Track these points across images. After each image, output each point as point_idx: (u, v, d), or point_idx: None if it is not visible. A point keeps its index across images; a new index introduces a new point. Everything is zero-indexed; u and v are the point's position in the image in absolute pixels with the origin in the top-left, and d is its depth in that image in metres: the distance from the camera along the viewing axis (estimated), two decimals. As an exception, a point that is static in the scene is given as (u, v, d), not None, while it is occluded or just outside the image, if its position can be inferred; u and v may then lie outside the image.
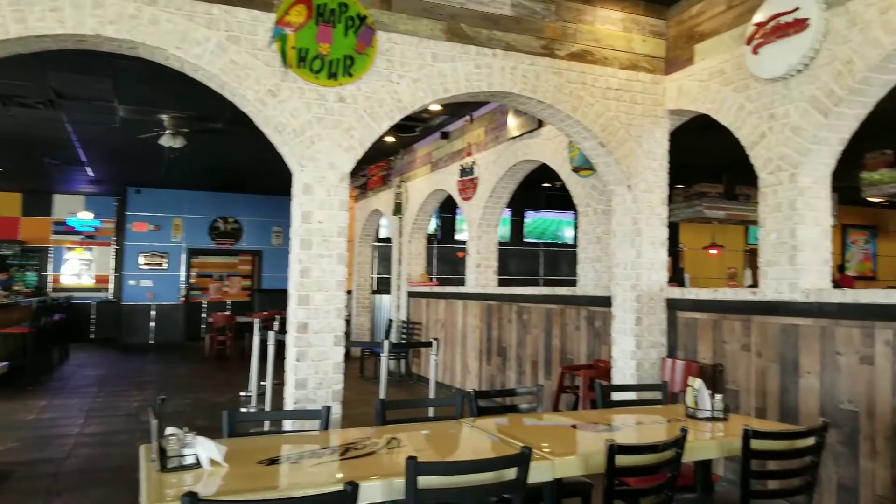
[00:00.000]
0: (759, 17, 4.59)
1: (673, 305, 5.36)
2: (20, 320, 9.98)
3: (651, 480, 2.71)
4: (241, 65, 4.21)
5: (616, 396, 4.17)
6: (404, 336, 9.96)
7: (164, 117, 8.54)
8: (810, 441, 2.86)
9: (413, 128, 9.13)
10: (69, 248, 15.01)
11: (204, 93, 4.73)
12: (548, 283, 10.44)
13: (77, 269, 15.13)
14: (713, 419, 3.34)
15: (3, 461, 5.39)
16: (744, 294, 4.83)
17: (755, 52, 4.61)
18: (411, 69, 4.63)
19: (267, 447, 2.80)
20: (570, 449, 2.81)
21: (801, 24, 4.29)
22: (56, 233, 14.92)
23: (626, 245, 5.46)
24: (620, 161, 5.33)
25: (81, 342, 14.23)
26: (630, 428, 3.24)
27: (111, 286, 15.21)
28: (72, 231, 15.02)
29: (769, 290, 4.50)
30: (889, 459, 3.72)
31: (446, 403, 3.67)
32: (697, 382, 3.47)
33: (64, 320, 11.62)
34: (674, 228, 13.63)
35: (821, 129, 4.25)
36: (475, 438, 3.06)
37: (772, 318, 4.49)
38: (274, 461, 2.54)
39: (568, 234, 14.90)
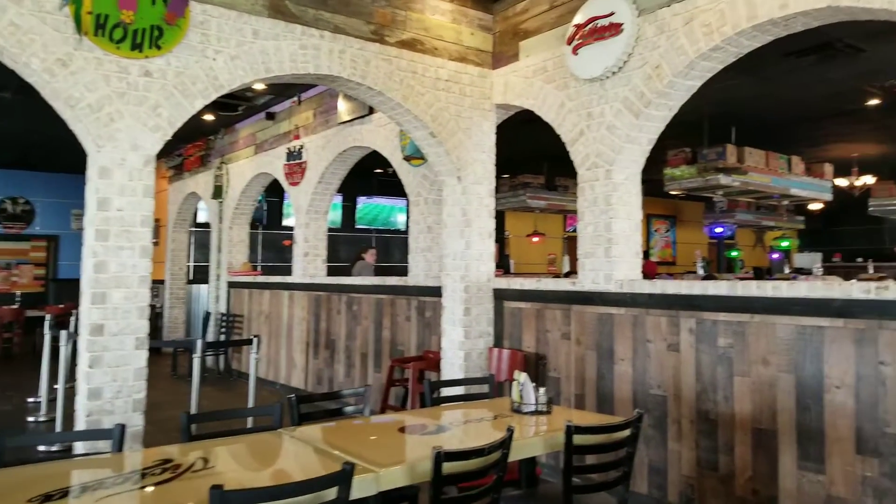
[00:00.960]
0: (578, 18, 4.75)
1: (500, 295, 5.47)
2: None
3: (478, 483, 2.68)
4: (24, 28, 3.60)
5: (445, 389, 4.16)
6: (224, 330, 9.39)
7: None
8: (627, 433, 2.98)
9: (235, 106, 8.56)
10: None
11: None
12: (380, 271, 10.33)
13: None
14: (537, 413, 3.40)
15: None
16: (564, 284, 5.02)
17: (575, 52, 4.76)
18: (229, 45, 4.25)
19: (45, 478, 2.34)
20: (397, 457, 2.70)
21: (616, 29, 4.48)
22: None
23: (455, 236, 5.47)
24: (450, 152, 5.31)
25: None
26: (458, 428, 3.21)
27: None
28: None
29: (587, 281, 4.71)
30: (693, 441, 4.04)
31: (264, 413, 3.38)
32: (522, 376, 3.51)
33: None
34: (500, 216, 14.11)
35: (633, 128, 4.48)
36: (296, 452, 2.86)
37: (589, 308, 4.71)
38: (49, 497, 2.10)
39: (401, 221, 14.93)
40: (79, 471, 2.51)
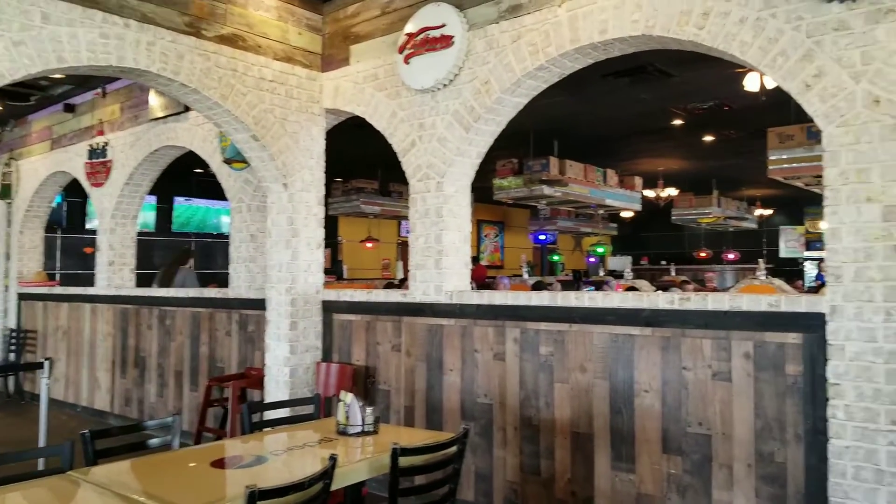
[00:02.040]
0: (410, 27, 4.70)
1: (329, 308, 5.29)
2: None
3: None
4: None
5: (266, 414, 3.92)
6: (13, 348, 8.30)
7: None
8: (454, 449, 2.95)
9: (27, 95, 7.58)
10: None
11: None
12: (203, 278, 9.67)
13: None
14: (364, 433, 3.28)
15: None
16: (395, 296, 4.96)
17: (406, 61, 4.71)
18: (10, 29, 3.70)
19: None
20: (208, 498, 2.45)
21: (447, 41, 4.49)
22: None
23: (281, 246, 5.21)
24: (276, 157, 5.05)
25: None
26: (280, 457, 3.00)
27: None
28: None
29: (417, 292, 4.68)
30: (517, 447, 4.13)
31: (50, 453, 2.95)
32: (349, 396, 3.37)
33: None
34: (333, 221, 13.86)
35: (463, 142, 4.51)
36: (88, 500, 2.48)
37: (420, 319, 4.68)
38: None
39: (226, 223, 14.11)
40: None
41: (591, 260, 19.89)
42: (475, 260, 15.67)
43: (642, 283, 9.75)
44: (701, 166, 12.66)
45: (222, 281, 7.10)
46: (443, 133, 4.58)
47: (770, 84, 5.86)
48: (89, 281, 8.09)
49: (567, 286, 11.50)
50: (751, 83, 6.26)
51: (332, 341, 5.26)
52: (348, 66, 5.24)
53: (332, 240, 14.45)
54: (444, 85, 4.55)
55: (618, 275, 13.14)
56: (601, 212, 13.35)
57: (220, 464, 2.85)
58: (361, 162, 10.87)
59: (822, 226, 3.17)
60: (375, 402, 4.82)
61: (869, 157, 2.95)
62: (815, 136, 3.23)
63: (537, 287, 9.51)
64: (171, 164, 7.36)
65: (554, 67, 4.17)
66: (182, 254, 8.43)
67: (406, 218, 5.19)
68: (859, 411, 2.92)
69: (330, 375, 5.00)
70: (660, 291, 6.73)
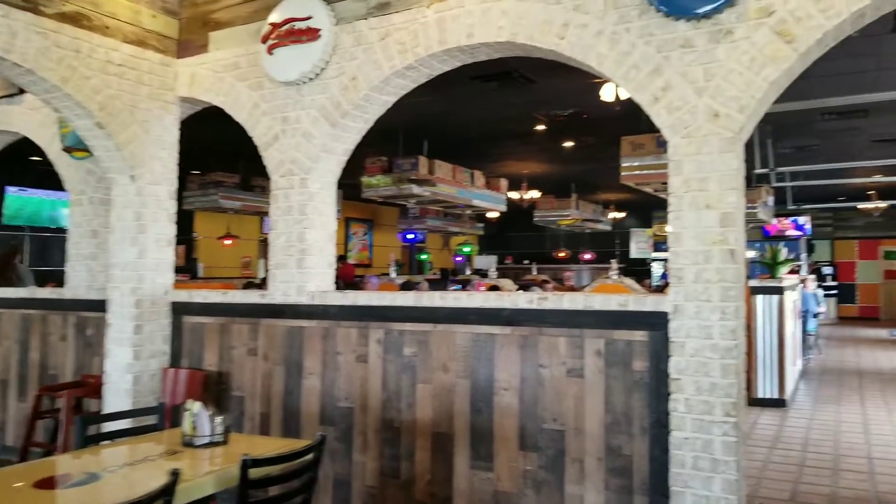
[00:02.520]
0: (274, 17, 4.51)
1: (179, 309, 4.95)
2: None
3: None
4: None
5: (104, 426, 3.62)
6: None
7: None
8: (310, 457, 2.85)
9: None
10: None
11: None
12: (37, 277, 8.82)
13: None
14: (212, 444, 3.10)
15: None
16: (252, 297, 4.74)
17: (270, 52, 4.52)
18: None
19: None
20: None
21: (313, 34, 4.35)
22: None
23: (126, 243, 4.81)
24: (122, 147, 4.67)
25: None
26: (116, 473, 2.76)
27: None
28: None
29: (277, 293, 4.50)
30: (378, 450, 4.07)
31: None
32: (196, 405, 3.17)
33: None
34: (188, 216, 13.13)
35: (329, 138, 4.39)
36: None
37: (279, 321, 4.50)
38: None
39: (64, 217, 12.89)
40: None
41: (459, 259, 20.26)
42: (343, 259, 15.45)
43: (505, 282, 10.03)
44: (561, 170, 13.25)
45: (59, 280, 6.49)
46: (308, 128, 4.44)
47: (624, 95, 6.19)
48: None
49: (435, 285, 11.60)
50: (607, 93, 6.60)
51: (182, 346, 4.94)
52: (207, 53, 4.95)
53: (186, 236, 13.70)
54: (310, 78, 4.41)
55: (483, 274, 13.44)
56: (468, 212, 13.62)
57: (48, 483, 2.57)
58: (221, 154, 10.39)
59: (668, 229, 3.37)
60: (228, 410, 4.58)
61: (708, 167, 3.18)
62: (663, 145, 3.45)
63: (406, 286, 9.52)
64: (4, 150, 6.65)
65: (422, 67, 4.16)
66: (9, 250, 7.64)
67: (267, 214, 4.98)
68: (698, 404, 3.13)
69: (178, 383, 4.68)
70: (521, 290, 6.95)
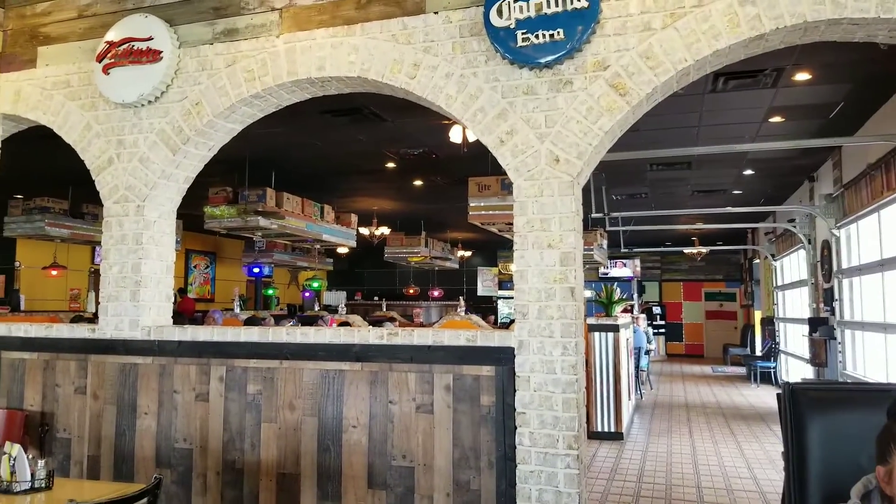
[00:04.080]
0: (112, 35, 4.28)
1: (-3, 345, 4.47)
2: None
3: None
4: None
5: None
6: None
7: None
8: (143, 502, 2.64)
9: None
10: None
11: None
12: None
13: None
14: (34, 490, 2.81)
15: None
16: (81, 331, 4.36)
17: (106, 71, 4.27)
18: None
19: None
20: None
21: (154, 55, 4.17)
22: None
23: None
24: (-73, 164, 4.18)
25: None
26: None
27: None
28: None
29: (109, 328, 4.18)
30: (218, 494, 3.86)
31: None
32: (15, 448, 2.87)
33: None
34: (10, 244, 11.88)
35: (169, 164, 4.20)
36: None
37: (111, 357, 4.18)
38: None
39: None
40: None
41: (307, 294, 19.84)
42: (183, 292, 14.60)
43: (355, 318, 9.96)
44: (412, 208, 13.48)
45: None
46: (146, 153, 4.21)
47: (472, 137, 6.47)
48: None
49: (282, 321, 11.27)
50: (455, 134, 6.85)
51: (2, 384, 4.44)
52: (35, 68, 4.59)
53: (7, 265, 12.36)
54: (150, 101, 4.21)
55: (332, 309, 13.28)
56: (318, 246, 13.43)
57: None
58: (49, 178, 9.56)
59: (512, 268, 3.53)
60: (52, 454, 4.17)
61: (550, 208, 3.38)
62: (507, 187, 3.63)
63: (251, 322, 9.17)
64: None
65: (271, 97, 4.11)
66: None
67: (99, 243, 4.60)
68: (542, 437, 3.27)
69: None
70: (371, 326, 6.93)
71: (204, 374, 3.97)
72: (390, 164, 9.72)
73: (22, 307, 12.20)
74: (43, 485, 2.85)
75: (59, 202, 10.29)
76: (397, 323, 10.68)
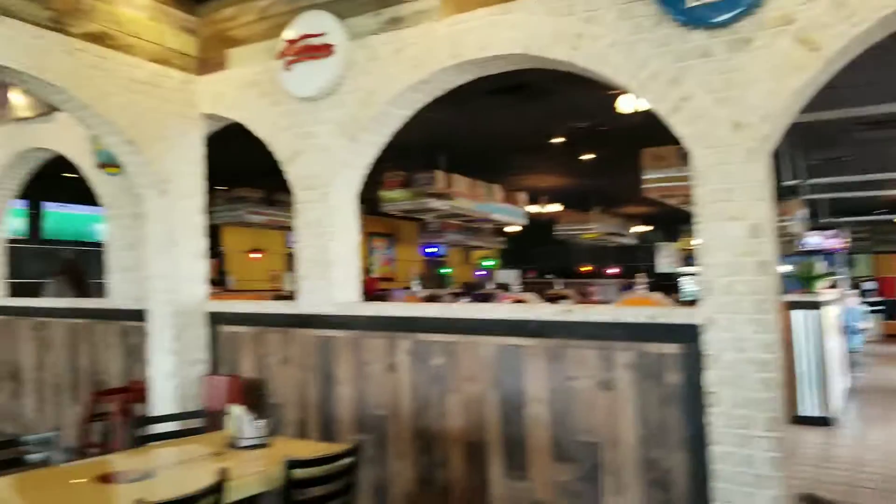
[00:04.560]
0: (289, 33, 4.62)
1: (215, 319, 5.08)
2: None
3: None
4: None
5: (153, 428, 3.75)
6: None
7: None
8: (348, 461, 2.93)
9: None
10: None
11: None
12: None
13: None
14: (256, 446, 3.20)
15: None
16: (282, 308, 4.85)
17: (287, 68, 4.62)
18: None
19: None
20: None
21: (328, 50, 4.45)
22: None
23: (161, 255, 4.96)
24: (151, 163, 4.81)
25: None
26: (168, 471, 2.94)
27: None
28: None
29: (306, 304, 4.59)
30: (413, 458, 4.12)
31: None
32: (238, 409, 3.31)
33: None
34: (216, 231, 13.31)
35: (348, 152, 4.48)
36: None
37: (309, 331, 4.59)
38: None
39: (100, 232, 13.17)
40: None
41: (481, 273, 20.28)
42: (366, 272, 15.52)
43: (529, 296, 10.04)
44: (581, 183, 13.23)
45: (99, 291, 6.70)
46: (327, 142, 4.53)
47: (643, 106, 6.23)
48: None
49: (458, 299, 11.62)
50: (624, 104, 6.62)
51: (220, 354, 5.06)
52: (227, 70, 5.07)
53: (216, 249, 13.89)
54: (327, 94, 4.50)
55: (506, 288, 13.44)
56: (488, 226, 13.64)
57: (107, 479, 2.72)
58: (245, 170, 10.55)
59: (695, 241, 3.39)
60: (266, 416, 4.67)
61: (733, 178, 3.19)
62: (685, 157, 3.45)
63: (430, 300, 9.56)
64: (41, 167, 6.86)
65: (436, 81, 4.23)
66: (68, 262, 7.89)
67: (291, 228, 5.07)
68: (736, 418, 3.12)
69: (218, 389, 4.78)
70: (547, 303, 6.96)
71: (391, 346, 4.23)
72: (557, 140, 9.62)
73: (231, 287, 13.65)
74: (263, 442, 3.23)
75: (256, 192, 11.36)
76: (577, 300, 10.59)
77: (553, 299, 10.09)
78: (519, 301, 8.73)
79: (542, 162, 11.30)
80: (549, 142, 9.73)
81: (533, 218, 13.13)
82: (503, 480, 3.80)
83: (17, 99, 6.21)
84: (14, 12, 4.00)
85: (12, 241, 7.45)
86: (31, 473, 2.92)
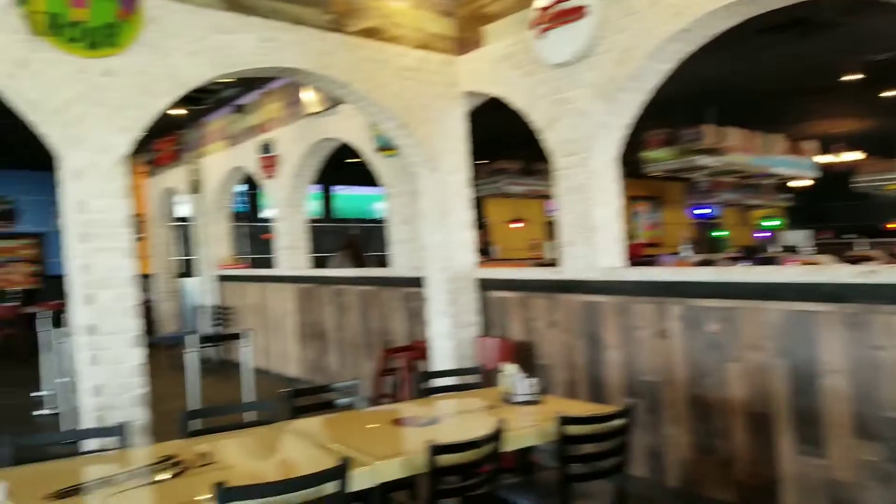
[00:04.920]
0: (541, 1, 4.59)
1: (484, 285, 5.38)
2: None
3: (473, 475, 2.70)
4: None
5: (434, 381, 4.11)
6: (216, 323, 9.20)
7: None
8: (621, 422, 2.91)
9: (202, 100, 8.35)
10: None
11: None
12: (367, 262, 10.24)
13: None
14: (529, 402, 3.33)
15: None
16: (546, 273, 4.93)
17: (540, 36, 4.61)
18: (188, 41, 4.10)
19: (59, 474, 2.49)
20: (393, 450, 2.68)
21: (580, 12, 4.34)
22: None
23: (434, 227, 5.37)
24: (422, 142, 5.19)
25: None
26: (451, 419, 3.22)
27: None
28: None
29: (569, 270, 4.62)
30: (688, 426, 3.96)
31: (260, 408, 3.49)
32: (511, 368, 3.47)
33: None
34: (479, 203, 13.98)
35: (606, 114, 4.37)
36: (294, 445, 2.98)
37: (574, 296, 4.61)
38: (66, 493, 2.23)
39: (379, 210, 14.74)
40: (88, 467, 2.67)
41: (761, 235, 18.53)
42: (629, 238, 15.10)
43: (824, 259, 8.92)
44: (885, 125, 11.34)
45: (376, 263, 7.54)
46: (583, 106, 4.45)
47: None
48: (268, 264, 8.82)
49: (734, 264, 10.76)
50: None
51: (490, 317, 5.35)
52: (482, 47, 5.23)
53: (481, 221, 14.62)
54: (582, 57, 4.42)
55: (794, 250, 12.08)
56: (770, 181, 12.34)
57: (398, 422, 3.08)
58: (504, 141, 10.85)
59: None
60: (536, 376, 4.84)
61: None
62: None
63: (704, 265, 9.00)
64: (330, 155, 7.82)
65: (700, 28, 3.93)
66: (352, 238, 9.07)
67: (549, 197, 5.12)
68: None
69: (490, 349, 5.08)
70: (844, 265, 6.13)
71: (661, 312, 4.07)
72: (850, 77, 8.35)
73: (495, 257, 14.27)
74: (535, 399, 3.35)
75: (513, 163, 11.67)
76: (880, 263, 9.16)
77: (854, 262, 8.84)
78: (809, 264, 7.82)
79: (833, 104, 9.92)
80: (840, 80, 8.49)
81: (825, 169, 11.58)
82: (794, 456, 3.47)
83: (308, 97, 7.11)
84: (304, 20, 4.56)
85: (312, 221, 8.60)
86: (338, 415, 3.39)
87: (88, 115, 3.77)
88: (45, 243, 13.64)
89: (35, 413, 6.54)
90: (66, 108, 3.71)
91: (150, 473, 2.43)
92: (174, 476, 2.40)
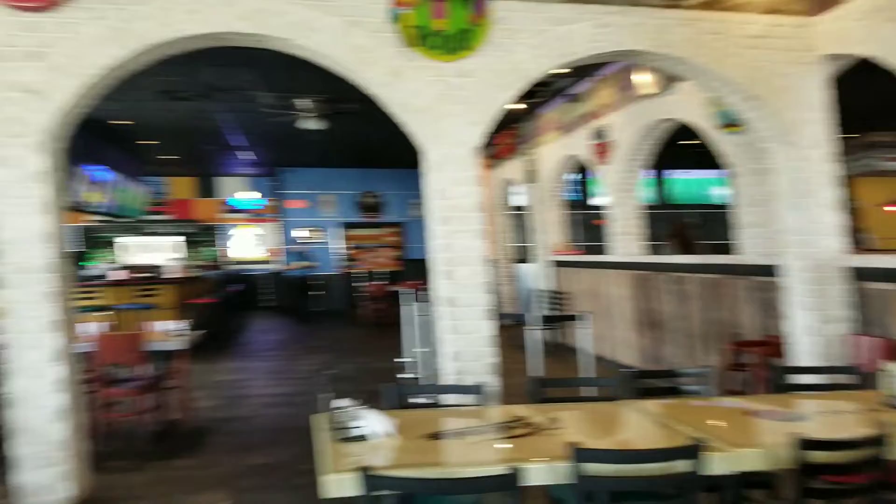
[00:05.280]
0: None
1: (858, 275, 4.67)
2: (206, 292, 10.75)
3: (849, 479, 2.42)
4: (362, 48, 4.26)
5: (794, 379, 3.72)
6: (557, 306, 9.63)
7: (304, 102, 8.95)
8: None
9: (537, 93, 8.73)
10: (235, 226, 16.31)
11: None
12: (704, 250, 9.69)
13: (247, 244, 16.35)
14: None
15: (208, 417, 6.03)
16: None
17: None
18: (530, 35, 4.41)
19: (428, 421, 2.87)
20: (749, 439, 2.55)
21: None
22: (223, 212, 16.19)
23: (790, 208, 4.84)
24: (772, 115, 4.74)
25: (253, 310, 15.32)
26: (818, 417, 2.88)
27: (283, 259, 15.91)
28: (235, 210, 16.24)
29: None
30: None
31: (604, 384, 3.56)
32: (894, 367, 2.97)
33: (240, 291, 12.95)
34: (847, 182, 12.20)
35: None
36: (637, 423, 2.94)
37: None
38: (436, 436, 2.62)
39: (716, 195, 13.85)
40: (452, 419, 2.97)
41: None
42: None
43: None
44: None
45: (721, 252, 7.04)
46: None
47: None
48: (599, 251, 8.91)
49: None
50: None
51: (866, 313, 4.62)
52: (846, 2, 4.54)
53: (847, 204, 12.78)
54: None
55: None
56: None
57: (751, 415, 2.87)
58: (875, 113, 9.30)
59: None
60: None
61: None
62: None
63: None
64: (663, 138, 7.59)
65: None
66: (682, 223, 8.72)
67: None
68: None
69: (867, 349, 4.37)
70: None
71: None
72: None
73: (865, 244, 12.31)
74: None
75: (889, 135, 9.94)
76: None
77: None
78: None
79: None
80: None
81: None
82: None
83: (640, 79, 6.96)
84: (639, 1, 4.52)
85: (646, 207, 8.43)
86: (683, 401, 3.26)
87: (447, 113, 4.34)
88: (405, 231, 15.92)
89: (398, 376, 7.36)
90: (429, 107, 4.33)
91: (506, 429, 2.68)
92: (527, 434, 2.59)
